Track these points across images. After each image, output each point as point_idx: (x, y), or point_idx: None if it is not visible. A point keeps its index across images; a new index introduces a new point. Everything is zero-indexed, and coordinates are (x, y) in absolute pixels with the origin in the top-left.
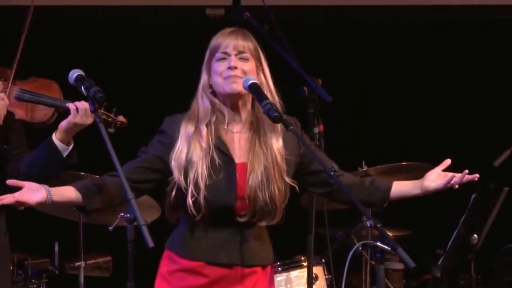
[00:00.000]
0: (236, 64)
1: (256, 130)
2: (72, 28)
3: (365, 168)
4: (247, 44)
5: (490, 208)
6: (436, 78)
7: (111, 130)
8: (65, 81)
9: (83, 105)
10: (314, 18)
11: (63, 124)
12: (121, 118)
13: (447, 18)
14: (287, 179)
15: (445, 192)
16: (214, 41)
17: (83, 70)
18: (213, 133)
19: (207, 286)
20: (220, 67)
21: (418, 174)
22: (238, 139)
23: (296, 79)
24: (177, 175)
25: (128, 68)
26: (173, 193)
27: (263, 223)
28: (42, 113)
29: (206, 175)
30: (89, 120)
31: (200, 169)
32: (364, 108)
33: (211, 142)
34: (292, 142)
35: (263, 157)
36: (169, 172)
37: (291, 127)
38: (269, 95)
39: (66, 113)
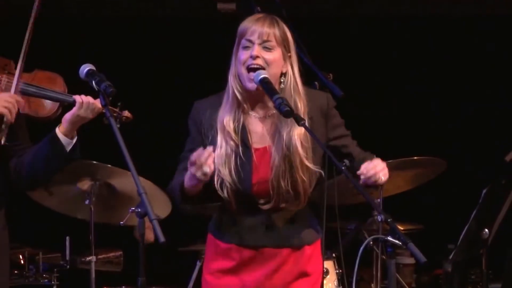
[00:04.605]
0: (259, 53)
1: (279, 115)
2: (80, 22)
3: None
4: (273, 31)
5: (501, 203)
6: (448, 73)
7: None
8: (69, 75)
9: (88, 99)
10: (325, 12)
11: (67, 116)
12: (126, 113)
13: (463, 12)
14: (311, 166)
15: (456, 187)
16: (242, 26)
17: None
18: (240, 122)
19: (234, 268)
20: (243, 55)
21: (430, 168)
22: (261, 125)
23: (308, 73)
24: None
25: (137, 63)
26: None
27: (291, 208)
28: (48, 108)
29: (228, 165)
30: (92, 114)
31: (222, 160)
32: (375, 102)
33: (237, 132)
34: (320, 125)
35: (285, 143)
36: None
37: (302, 122)
38: (293, 84)
39: (70, 107)
